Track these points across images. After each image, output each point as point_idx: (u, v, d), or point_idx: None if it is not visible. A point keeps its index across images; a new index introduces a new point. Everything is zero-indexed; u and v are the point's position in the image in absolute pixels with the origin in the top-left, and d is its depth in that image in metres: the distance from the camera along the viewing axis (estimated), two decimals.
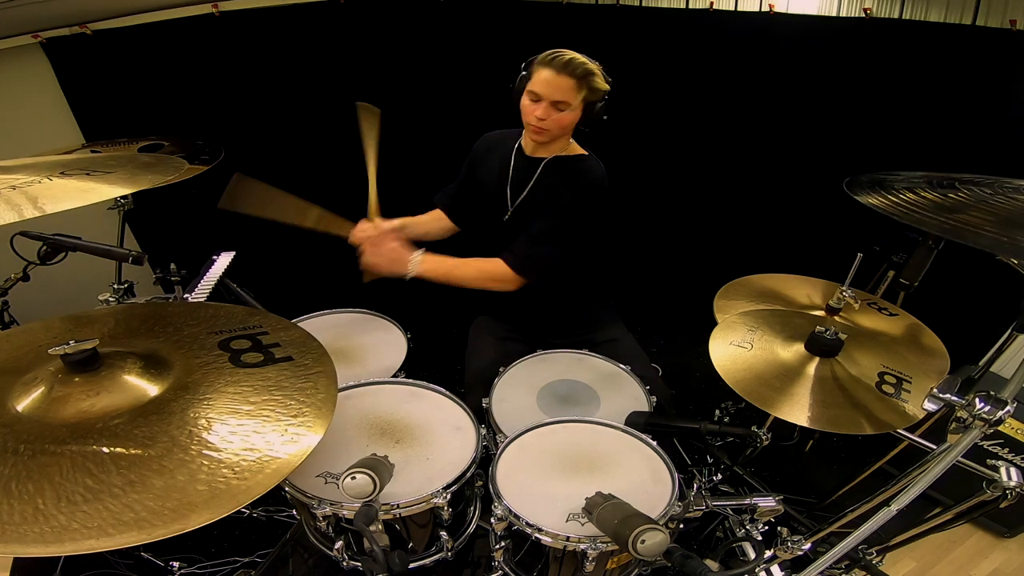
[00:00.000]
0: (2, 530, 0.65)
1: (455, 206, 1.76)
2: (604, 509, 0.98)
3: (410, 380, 1.38)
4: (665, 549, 0.91)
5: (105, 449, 0.77)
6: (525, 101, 1.46)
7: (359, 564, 1.13)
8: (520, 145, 1.61)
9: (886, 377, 1.22)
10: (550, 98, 1.42)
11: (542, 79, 1.41)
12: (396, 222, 1.60)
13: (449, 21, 2.53)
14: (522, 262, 1.50)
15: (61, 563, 1.34)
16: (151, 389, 0.89)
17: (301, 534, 1.29)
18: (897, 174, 1.32)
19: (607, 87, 1.46)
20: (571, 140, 1.58)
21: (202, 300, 1.47)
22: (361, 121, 1.60)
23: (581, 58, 1.41)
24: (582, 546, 1.01)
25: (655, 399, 1.46)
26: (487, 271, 1.52)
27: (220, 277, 1.57)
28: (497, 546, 1.13)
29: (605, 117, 1.49)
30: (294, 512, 1.29)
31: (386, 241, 1.50)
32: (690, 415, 1.48)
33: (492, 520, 1.11)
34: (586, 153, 1.59)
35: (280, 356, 1.00)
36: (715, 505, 1.18)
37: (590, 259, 1.77)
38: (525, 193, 1.58)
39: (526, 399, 1.44)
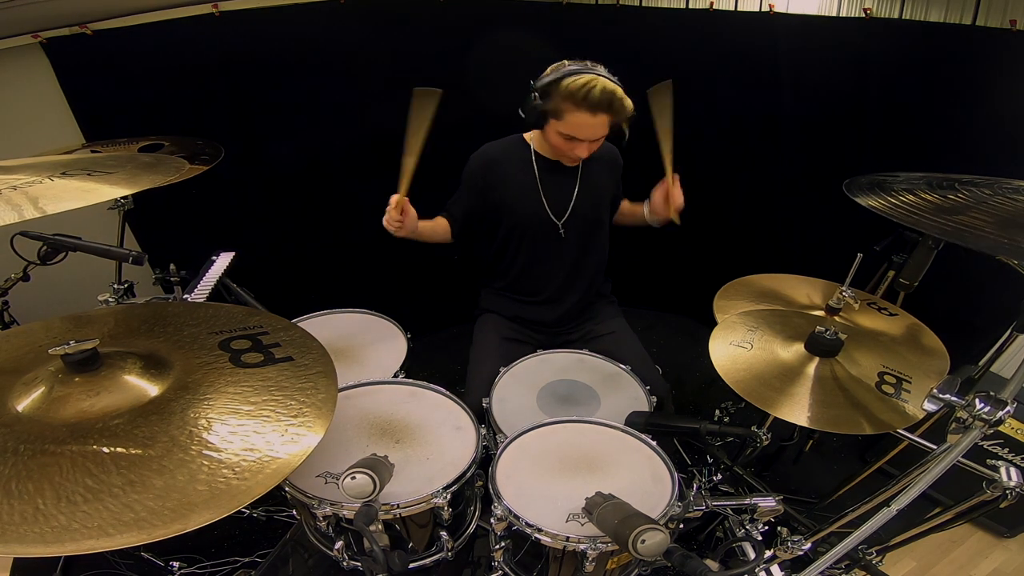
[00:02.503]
0: (2, 530, 0.65)
1: (469, 233, 1.70)
2: (604, 509, 0.98)
3: (410, 380, 1.38)
4: (665, 549, 0.91)
5: (105, 449, 0.77)
6: (558, 140, 1.41)
7: (359, 564, 1.13)
8: (537, 152, 1.58)
9: (886, 377, 1.22)
10: (590, 139, 1.38)
11: (578, 123, 1.35)
12: (419, 225, 1.51)
13: (449, 21, 2.53)
14: None
15: (61, 563, 1.34)
16: (151, 389, 0.89)
17: (301, 534, 1.29)
18: (897, 175, 1.32)
19: (632, 107, 1.40)
20: None
21: (202, 300, 1.47)
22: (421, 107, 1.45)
23: (610, 85, 1.34)
24: (582, 546, 1.01)
25: (655, 399, 1.46)
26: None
27: (220, 277, 1.57)
28: (497, 546, 1.13)
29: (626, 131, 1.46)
30: (294, 512, 1.29)
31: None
32: (690, 415, 1.48)
33: (492, 520, 1.11)
34: None
35: (280, 356, 1.00)
36: (715, 505, 1.18)
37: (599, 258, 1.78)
38: (575, 198, 1.59)
39: (526, 399, 1.44)
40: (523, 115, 1.45)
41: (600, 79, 1.34)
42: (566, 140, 1.41)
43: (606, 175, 1.66)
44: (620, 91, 1.37)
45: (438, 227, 1.67)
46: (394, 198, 1.39)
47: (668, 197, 1.49)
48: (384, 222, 1.43)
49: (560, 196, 1.60)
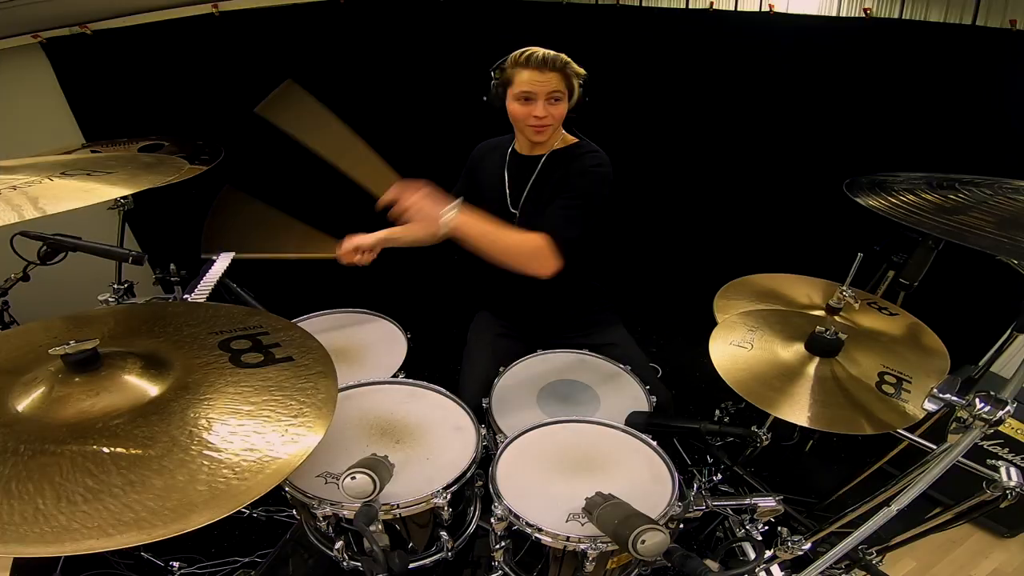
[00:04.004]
0: (2, 530, 0.65)
1: None
2: (604, 509, 0.98)
3: (410, 380, 1.38)
4: (665, 549, 0.91)
5: (105, 449, 0.77)
6: (515, 106, 1.47)
7: (359, 564, 1.13)
8: (514, 148, 1.63)
9: (886, 377, 1.22)
10: (544, 92, 1.43)
11: (528, 79, 1.43)
12: (381, 234, 1.58)
13: (449, 21, 2.53)
14: (561, 243, 1.37)
15: (61, 563, 1.34)
16: (151, 389, 0.89)
17: (301, 534, 1.29)
18: (897, 175, 1.32)
19: (583, 70, 1.48)
20: (562, 130, 1.58)
21: (202, 300, 1.47)
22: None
23: (552, 52, 1.44)
24: (582, 546, 1.01)
25: (655, 399, 1.46)
26: (528, 243, 1.36)
27: (220, 277, 1.57)
28: (497, 546, 1.13)
29: (587, 99, 1.50)
30: (294, 512, 1.29)
31: (417, 199, 1.28)
32: (690, 415, 1.48)
33: (492, 520, 1.11)
34: (579, 139, 1.60)
35: (280, 356, 1.00)
36: (715, 505, 1.18)
37: (592, 258, 1.76)
38: (527, 190, 1.59)
39: (526, 399, 1.44)
40: (489, 101, 1.52)
41: (540, 48, 1.44)
42: (523, 104, 1.46)
43: (579, 172, 1.53)
44: (565, 56, 1.44)
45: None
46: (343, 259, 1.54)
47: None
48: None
49: (518, 188, 1.61)
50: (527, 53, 1.43)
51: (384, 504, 1.03)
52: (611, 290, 1.90)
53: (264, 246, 1.54)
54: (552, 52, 1.43)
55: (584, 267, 1.75)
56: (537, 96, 1.44)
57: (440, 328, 2.29)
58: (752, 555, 1.12)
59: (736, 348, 1.28)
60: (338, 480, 0.95)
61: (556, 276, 1.58)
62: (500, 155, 1.66)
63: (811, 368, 1.23)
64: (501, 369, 1.52)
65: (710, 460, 1.58)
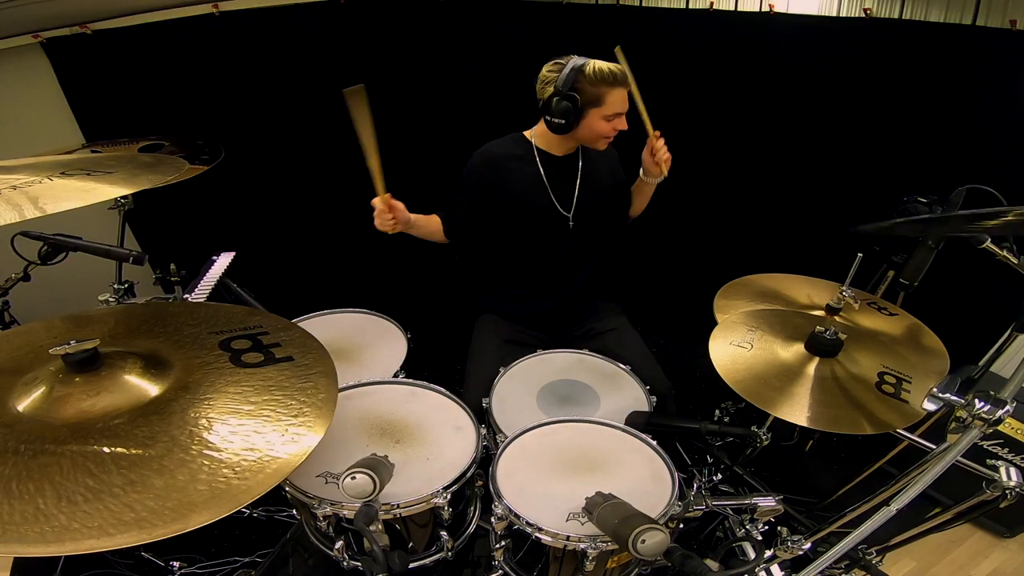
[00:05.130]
0: (2, 530, 0.65)
1: (467, 233, 1.71)
2: (604, 509, 0.98)
3: (410, 380, 1.38)
4: (665, 549, 0.91)
5: (105, 449, 0.77)
6: (601, 123, 1.50)
7: (359, 564, 1.13)
8: (540, 148, 1.61)
9: (886, 377, 1.22)
10: (624, 110, 1.50)
11: (620, 99, 1.47)
12: (412, 216, 1.55)
13: (449, 21, 2.53)
14: None
15: (61, 563, 1.34)
16: (151, 389, 0.89)
17: (301, 534, 1.29)
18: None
19: None
20: None
21: (202, 300, 1.47)
22: (353, 107, 1.42)
23: (615, 65, 1.48)
24: (582, 545, 1.01)
25: (655, 398, 1.46)
26: None
27: (220, 277, 1.57)
28: (497, 546, 1.13)
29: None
30: (294, 512, 1.29)
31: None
32: (690, 415, 1.48)
33: (492, 519, 1.11)
34: None
35: (280, 356, 1.00)
36: (715, 505, 1.18)
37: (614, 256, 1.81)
38: (578, 191, 1.63)
39: (526, 399, 1.44)
40: (557, 121, 1.47)
41: (603, 62, 1.46)
42: (609, 121, 1.50)
43: (604, 167, 1.69)
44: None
45: (431, 222, 1.69)
46: (376, 200, 1.43)
47: (652, 152, 1.60)
48: (377, 225, 1.47)
49: (565, 189, 1.62)
50: (612, 71, 1.44)
51: (384, 504, 1.03)
52: (614, 287, 1.91)
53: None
54: (615, 65, 1.46)
55: (608, 264, 1.79)
56: (622, 113, 1.50)
57: (440, 328, 2.29)
58: (752, 555, 1.12)
59: (736, 348, 1.28)
60: (338, 480, 0.95)
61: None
62: (524, 158, 1.61)
63: (811, 368, 1.23)
64: (501, 369, 1.52)
65: (710, 460, 1.58)
